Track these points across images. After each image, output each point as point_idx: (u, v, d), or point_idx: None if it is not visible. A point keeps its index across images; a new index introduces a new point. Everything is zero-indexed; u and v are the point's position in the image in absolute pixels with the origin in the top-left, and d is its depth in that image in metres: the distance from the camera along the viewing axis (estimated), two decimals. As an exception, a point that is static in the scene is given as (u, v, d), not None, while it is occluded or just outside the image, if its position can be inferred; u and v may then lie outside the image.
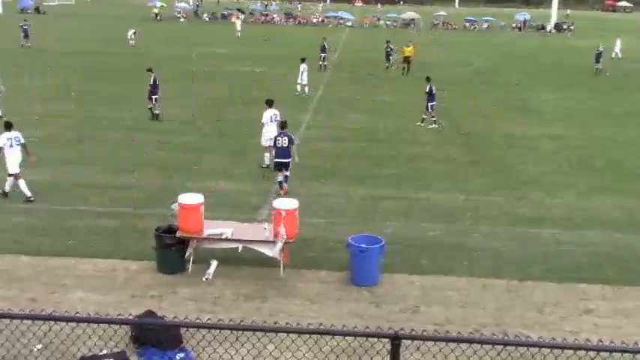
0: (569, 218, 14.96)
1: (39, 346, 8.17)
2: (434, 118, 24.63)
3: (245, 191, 16.20)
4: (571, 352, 5.06)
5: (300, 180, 16.81)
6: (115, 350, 8.47)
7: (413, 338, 4.92)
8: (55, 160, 18.11)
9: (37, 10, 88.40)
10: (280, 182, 16.07)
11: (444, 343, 5.39)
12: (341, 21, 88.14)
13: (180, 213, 11.46)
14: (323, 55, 40.74)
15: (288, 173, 16.16)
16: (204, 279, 11.10)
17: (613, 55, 50.82)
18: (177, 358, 8.52)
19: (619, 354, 5.14)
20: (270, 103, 18.51)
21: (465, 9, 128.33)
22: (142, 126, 23.34)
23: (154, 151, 19.70)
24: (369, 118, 26.04)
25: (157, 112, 24.24)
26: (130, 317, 8.23)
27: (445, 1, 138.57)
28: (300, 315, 9.80)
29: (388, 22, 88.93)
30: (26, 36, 47.28)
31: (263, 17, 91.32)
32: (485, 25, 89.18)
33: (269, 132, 18.01)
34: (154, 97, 24.17)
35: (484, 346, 5.35)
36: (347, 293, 10.81)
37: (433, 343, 5.29)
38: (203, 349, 7.86)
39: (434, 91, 24.59)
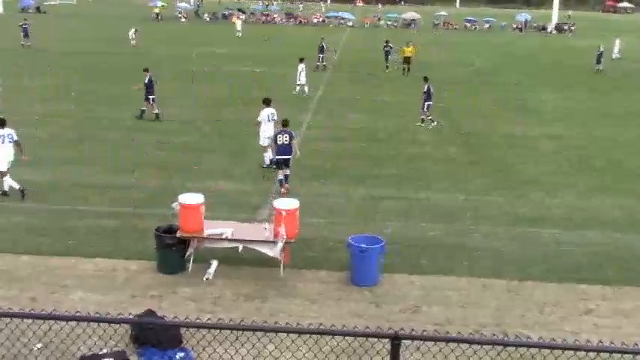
0: (569, 218, 14.96)
1: (39, 345, 8.17)
2: (430, 117, 24.62)
3: (245, 191, 16.20)
4: (571, 352, 5.05)
5: (300, 180, 16.82)
6: (115, 350, 8.47)
7: (413, 338, 4.92)
8: (55, 160, 18.13)
9: (37, 9, 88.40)
10: (281, 180, 16.10)
11: (444, 343, 5.39)
12: (342, 21, 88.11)
13: (180, 213, 11.47)
14: (321, 55, 40.81)
15: (288, 172, 16.19)
16: (204, 279, 11.10)
17: (613, 57, 50.82)
18: (177, 357, 8.52)
19: (619, 355, 5.13)
20: (267, 102, 18.53)
21: (465, 9, 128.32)
22: (142, 126, 23.34)
23: (154, 151, 19.70)
24: (369, 118, 26.05)
25: (156, 111, 24.23)
26: (130, 317, 8.24)
27: (446, 1, 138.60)
28: (300, 315, 9.80)
29: (389, 23, 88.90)
30: (26, 35, 47.29)
31: (264, 17, 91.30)
32: (486, 26, 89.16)
33: (266, 131, 18.08)
34: (150, 97, 24.17)
35: (484, 346, 5.35)
36: (347, 293, 10.81)
37: (433, 343, 5.29)
38: (203, 349, 7.86)
39: (432, 91, 24.61)
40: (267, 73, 37.57)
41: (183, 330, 8.89)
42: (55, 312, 5.47)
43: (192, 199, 11.53)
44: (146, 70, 24.52)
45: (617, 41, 52.43)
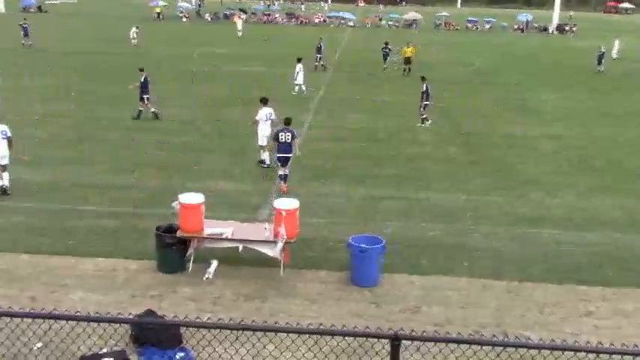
0: (569, 218, 14.97)
1: (39, 345, 8.17)
2: (425, 117, 24.58)
3: (245, 191, 16.20)
4: (571, 353, 5.06)
5: (300, 180, 16.83)
6: (115, 349, 8.47)
7: (412, 339, 4.92)
8: (55, 160, 18.13)
9: (39, 8, 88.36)
10: (281, 175, 16.18)
11: (443, 344, 5.39)
12: (342, 21, 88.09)
13: (180, 212, 11.47)
14: (319, 55, 40.91)
15: (287, 172, 16.20)
16: (204, 279, 11.10)
17: (614, 57, 50.80)
18: (177, 357, 8.52)
19: (619, 356, 5.13)
20: (264, 102, 18.57)
21: (466, 9, 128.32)
22: (141, 126, 23.34)
23: (154, 151, 19.70)
24: (370, 118, 26.05)
25: (153, 110, 24.22)
26: (130, 316, 8.24)
27: (447, 1, 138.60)
28: (300, 315, 9.81)
29: (390, 23, 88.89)
30: (26, 34, 47.25)
31: (265, 17, 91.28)
32: (487, 26, 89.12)
33: (263, 130, 18.13)
34: (144, 96, 24.19)
35: (484, 347, 5.35)
36: (347, 293, 10.82)
37: (433, 343, 5.29)
38: (203, 349, 7.86)
39: (429, 91, 24.61)
40: (267, 73, 37.57)
41: (183, 330, 8.90)
42: (55, 311, 5.47)
43: (192, 198, 11.53)
44: (141, 70, 24.55)
45: (617, 42, 52.41)
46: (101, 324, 5.96)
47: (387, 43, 42.76)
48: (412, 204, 15.70)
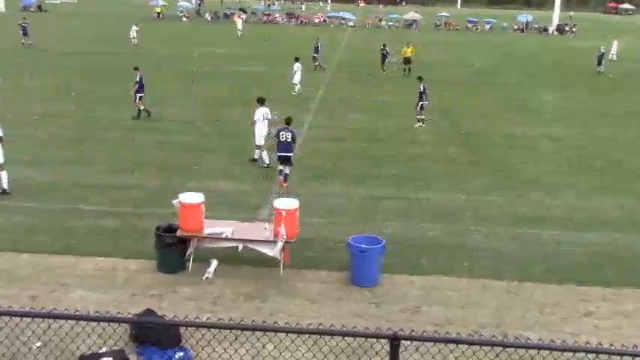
0: (569, 218, 14.96)
1: (38, 344, 8.17)
2: (420, 117, 24.58)
3: (245, 191, 16.20)
4: (571, 354, 5.05)
5: (300, 180, 16.83)
6: (115, 349, 8.47)
7: (412, 339, 4.91)
8: (55, 160, 18.13)
9: (39, 8, 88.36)
10: (281, 170, 16.30)
11: (443, 344, 5.39)
12: (343, 21, 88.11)
13: (180, 212, 11.47)
14: (316, 55, 40.98)
15: (288, 171, 16.21)
16: (204, 278, 11.10)
17: (614, 58, 50.78)
18: (177, 357, 8.52)
19: (618, 357, 5.13)
20: (261, 102, 18.61)
21: (467, 10, 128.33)
22: (141, 126, 23.33)
23: (154, 151, 19.70)
24: (369, 118, 26.04)
25: (142, 107, 24.21)
26: (130, 316, 8.23)
27: (447, 1, 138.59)
28: (300, 315, 9.80)
29: (390, 23, 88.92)
30: (25, 34, 47.23)
31: (265, 17, 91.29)
32: (487, 27, 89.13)
33: (260, 130, 18.19)
34: (138, 95, 24.21)
35: (483, 347, 5.35)
36: (347, 293, 10.81)
37: (432, 343, 5.28)
38: (202, 349, 7.86)
39: (427, 91, 24.60)
40: (267, 73, 37.57)
41: (182, 329, 8.89)
42: (55, 311, 5.46)
43: (192, 198, 11.53)
44: (136, 69, 24.59)
45: (615, 43, 52.38)
46: (100, 323, 5.96)
47: (385, 45, 42.79)
48: (412, 204, 15.70)
